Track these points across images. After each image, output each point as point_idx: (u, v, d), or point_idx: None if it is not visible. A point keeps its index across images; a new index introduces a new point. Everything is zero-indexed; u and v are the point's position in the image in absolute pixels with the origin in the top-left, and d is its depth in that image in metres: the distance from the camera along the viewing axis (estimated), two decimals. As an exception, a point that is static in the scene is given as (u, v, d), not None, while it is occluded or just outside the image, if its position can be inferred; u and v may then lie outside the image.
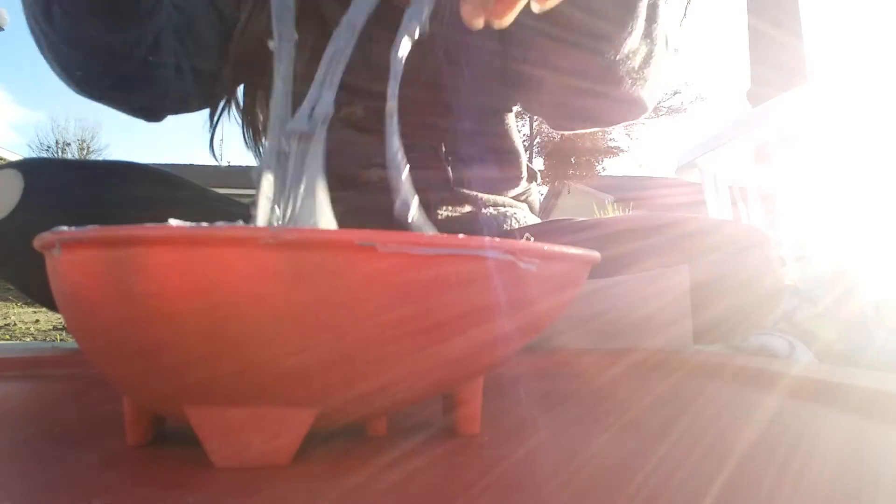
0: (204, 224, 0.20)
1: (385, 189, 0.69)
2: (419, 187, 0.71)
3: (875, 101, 1.35)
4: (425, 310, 0.22)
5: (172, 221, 0.22)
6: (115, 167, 0.60)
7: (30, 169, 0.56)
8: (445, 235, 0.22)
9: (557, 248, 0.26)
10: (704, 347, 0.60)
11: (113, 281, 0.21)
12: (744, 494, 0.20)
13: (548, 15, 0.66)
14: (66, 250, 0.22)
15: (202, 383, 0.22)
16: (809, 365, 0.55)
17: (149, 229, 0.20)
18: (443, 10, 0.65)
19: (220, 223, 0.21)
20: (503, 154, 0.71)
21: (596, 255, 0.29)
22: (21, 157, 0.59)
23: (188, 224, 0.21)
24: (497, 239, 0.23)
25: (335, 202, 0.62)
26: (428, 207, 0.68)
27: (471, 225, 0.68)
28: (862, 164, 1.40)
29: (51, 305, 0.60)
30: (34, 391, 0.41)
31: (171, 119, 0.64)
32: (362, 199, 0.68)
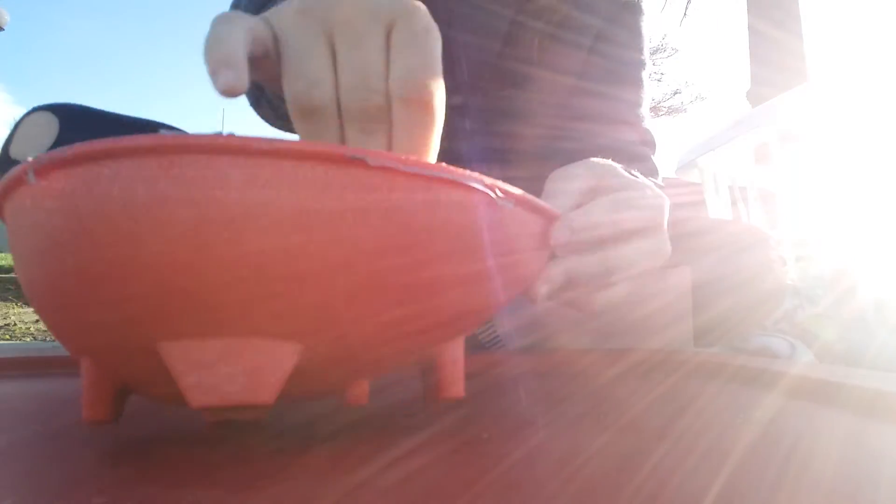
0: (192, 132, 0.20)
1: None
2: None
3: (875, 101, 1.34)
4: (412, 234, 0.22)
5: (162, 131, 0.21)
6: (142, 123, 0.59)
7: (66, 114, 0.54)
8: (432, 162, 0.22)
9: (530, 197, 0.26)
10: (704, 348, 0.60)
11: (99, 199, 0.19)
12: (744, 494, 0.20)
13: (549, 15, 0.67)
14: (41, 176, 0.20)
15: (179, 313, 0.21)
16: (809, 365, 0.55)
17: (137, 138, 0.19)
18: (443, 10, 0.65)
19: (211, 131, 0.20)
20: (507, 154, 0.71)
21: (561, 214, 0.30)
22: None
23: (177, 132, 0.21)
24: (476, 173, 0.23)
25: None
26: None
27: None
28: (862, 164, 1.40)
29: None
30: (34, 391, 0.41)
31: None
32: None
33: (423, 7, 0.30)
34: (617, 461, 0.24)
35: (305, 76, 0.29)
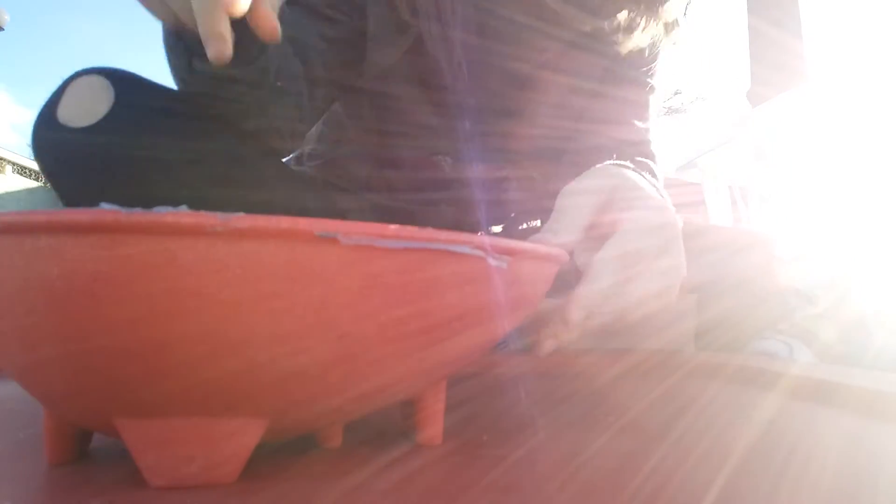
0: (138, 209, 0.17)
1: (429, 202, 0.68)
2: (420, 187, 0.72)
3: (875, 102, 1.35)
4: (391, 308, 0.20)
5: (104, 205, 0.18)
6: (205, 101, 0.57)
7: (121, 81, 0.51)
8: (413, 228, 0.20)
9: (528, 245, 0.24)
10: (704, 349, 0.60)
11: (36, 272, 0.18)
12: (744, 494, 0.20)
13: (548, 15, 0.67)
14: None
15: (136, 391, 0.19)
16: (809, 365, 0.55)
17: (77, 213, 0.17)
18: (445, 11, 0.65)
19: (159, 208, 0.18)
20: (507, 154, 0.71)
21: (564, 254, 0.28)
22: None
23: (121, 209, 0.18)
24: (466, 234, 0.21)
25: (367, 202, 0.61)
26: (428, 207, 0.69)
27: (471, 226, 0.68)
28: (862, 165, 1.40)
29: None
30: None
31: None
32: (398, 213, 0.68)
33: None
34: (617, 461, 0.24)
35: None
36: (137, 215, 0.17)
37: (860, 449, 0.26)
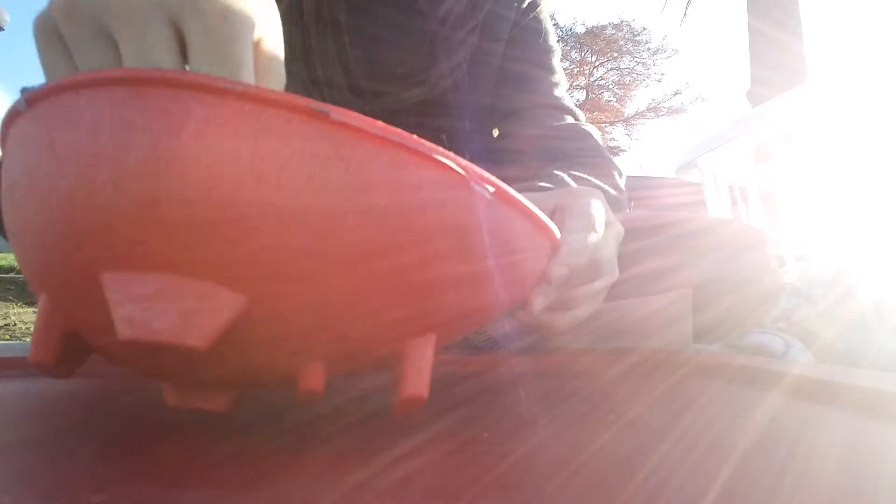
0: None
1: None
2: None
3: (875, 101, 1.35)
4: (372, 196, 0.21)
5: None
6: None
7: None
8: (402, 132, 0.21)
9: (516, 194, 0.24)
10: (704, 347, 0.60)
11: (70, 125, 0.20)
12: (744, 494, 0.20)
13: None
14: (31, 105, 0.21)
15: (124, 244, 0.20)
16: (809, 365, 0.55)
17: (110, 71, 0.20)
18: (445, 11, 0.65)
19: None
20: (508, 154, 0.71)
21: (556, 234, 0.29)
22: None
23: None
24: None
25: None
26: None
27: None
28: (862, 165, 1.40)
29: None
30: (34, 391, 0.41)
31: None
32: None
33: None
34: (617, 461, 0.24)
35: None
36: (161, 71, 0.19)
37: (860, 449, 0.26)
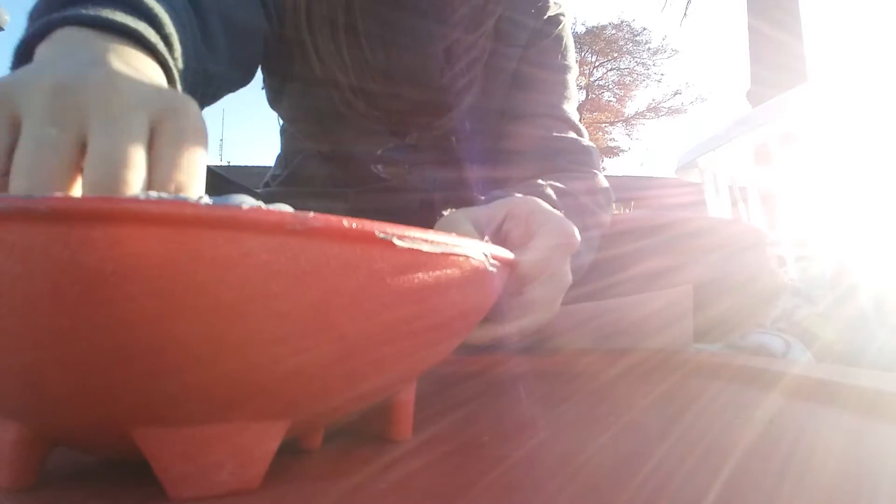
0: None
1: (389, 189, 0.69)
2: (423, 188, 0.72)
3: (875, 101, 1.35)
4: (420, 311, 0.22)
5: (152, 194, 0.19)
6: None
7: None
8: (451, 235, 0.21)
9: (508, 253, 0.26)
10: (704, 347, 0.60)
11: (62, 262, 0.16)
12: (744, 494, 0.20)
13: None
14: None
15: (161, 397, 0.18)
16: (809, 365, 0.55)
17: (115, 201, 0.15)
18: (445, 12, 0.65)
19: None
20: (509, 154, 0.71)
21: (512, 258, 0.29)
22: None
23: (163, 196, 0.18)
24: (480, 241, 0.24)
25: (339, 199, 0.64)
26: (432, 208, 0.69)
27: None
28: (862, 164, 1.40)
29: None
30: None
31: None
32: (366, 200, 0.68)
33: (194, 105, 0.26)
34: (617, 461, 0.24)
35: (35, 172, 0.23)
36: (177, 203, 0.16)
37: (860, 449, 0.26)
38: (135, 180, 0.23)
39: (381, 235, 0.18)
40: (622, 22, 13.05)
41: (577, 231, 0.40)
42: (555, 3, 0.74)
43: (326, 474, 0.23)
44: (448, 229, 0.38)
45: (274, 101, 0.72)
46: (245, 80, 0.58)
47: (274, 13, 0.61)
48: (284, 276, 0.17)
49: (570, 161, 0.66)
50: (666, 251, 0.63)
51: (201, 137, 0.26)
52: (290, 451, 0.25)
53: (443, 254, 0.21)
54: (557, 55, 0.73)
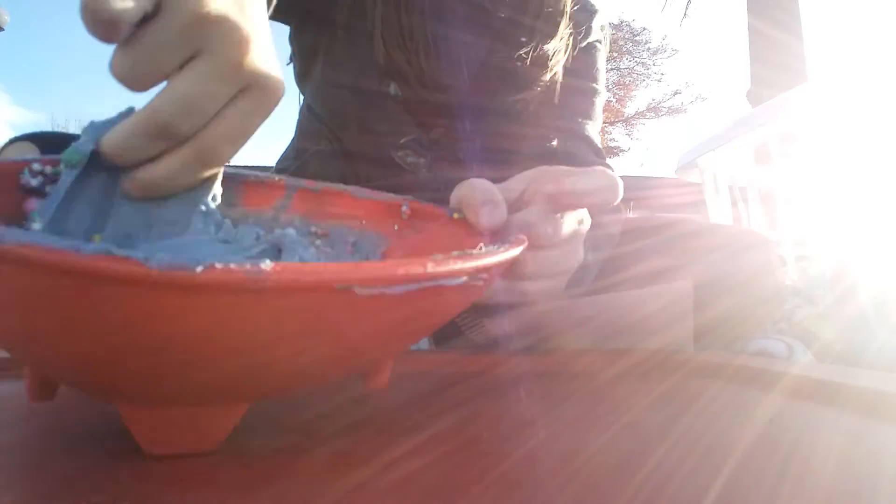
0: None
1: (400, 187, 0.69)
2: (434, 188, 0.72)
3: (875, 101, 1.35)
4: (388, 327, 0.23)
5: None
6: None
7: (44, 141, 0.56)
8: (420, 265, 0.21)
9: (500, 258, 0.25)
10: (704, 349, 0.60)
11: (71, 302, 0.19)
12: (744, 494, 0.20)
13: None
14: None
15: (140, 388, 0.22)
16: (809, 365, 0.55)
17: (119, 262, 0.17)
18: (445, 11, 0.65)
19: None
20: (509, 154, 0.71)
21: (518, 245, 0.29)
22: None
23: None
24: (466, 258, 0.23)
25: (367, 180, 0.62)
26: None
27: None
28: (862, 164, 1.40)
29: None
30: (34, 391, 0.41)
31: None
32: (396, 180, 0.68)
33: (280, 89, 0.29)
34: (617, 461, 0.24)
35: None
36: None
37: (860, 449, 0.26)
38: (182, 131, 0.27)
39: (340, 287, 0.19)
40: (622, 22, 13.05)
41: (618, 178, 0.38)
42: (594, 30, 0.74)
43: (326, 474, 0.23)
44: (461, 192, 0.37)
45: (301, 77, 0.72)
46: None
47: None
48: (246, 319, 0.19)
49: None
50: (666, 251, 0.63)
51: (260, 121, 0.28)
52: (291, 451, 0.25)
53: (412, 292, 0.21)
54: (587, 79, 0.74)
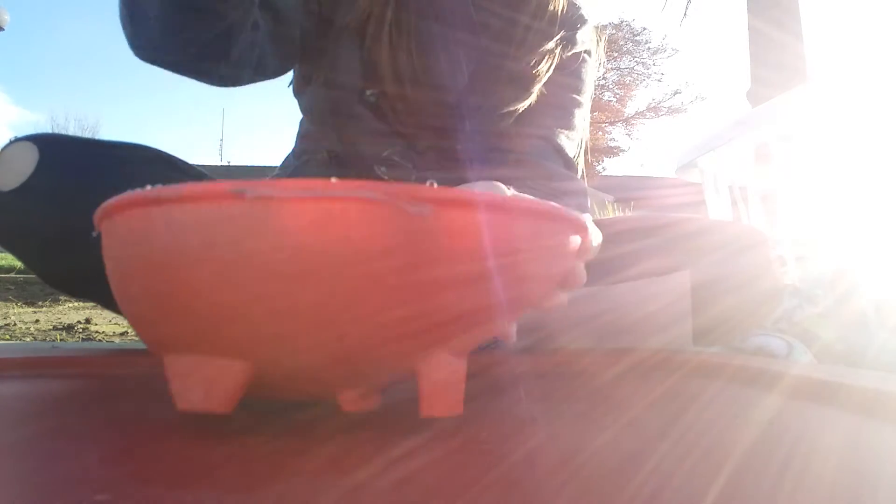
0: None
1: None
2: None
3: (875, 101, 1.35)
4: (328, 258, 0.23)
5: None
6: (126, 146, 0.61)
7: (44, 142, 0.57)
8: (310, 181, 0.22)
9: (458, 191, 0.23)
10: (704, 348, 0.60)
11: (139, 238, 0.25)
12: (744, 494, 0.20)
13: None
14: (115, 213, 0.26)
15: (165, 330, 0.26)
16: (809, 365, 0.55)
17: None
18: (445, 11, 0.65)
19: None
20: (508, 154, 0.71)
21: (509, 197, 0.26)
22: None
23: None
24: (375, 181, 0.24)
25: None
26: None
27: None
28: (862, 165, 1.40)
29: (51, 279, 0.60)
30: (34, 391, 0.41)
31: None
32: None
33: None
34: (617, 461, 0.24)
35: None
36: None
37: (860, 449, 0.26)
38: None
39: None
40: (622, 22, 13.04)
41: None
42: (582, 40, 0.73)
43: (326, 473, 0.23)
44: None
45: (299, 89, 0.72)
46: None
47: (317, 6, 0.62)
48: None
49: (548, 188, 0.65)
50: (666, 251, 0.63)
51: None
52: (290, 451, 0.25)
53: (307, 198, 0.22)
54: (571, 90, 0.73)
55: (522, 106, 0.68)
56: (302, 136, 0.75)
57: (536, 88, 0.68)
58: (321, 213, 0.22)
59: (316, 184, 0.22)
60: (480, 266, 0.24)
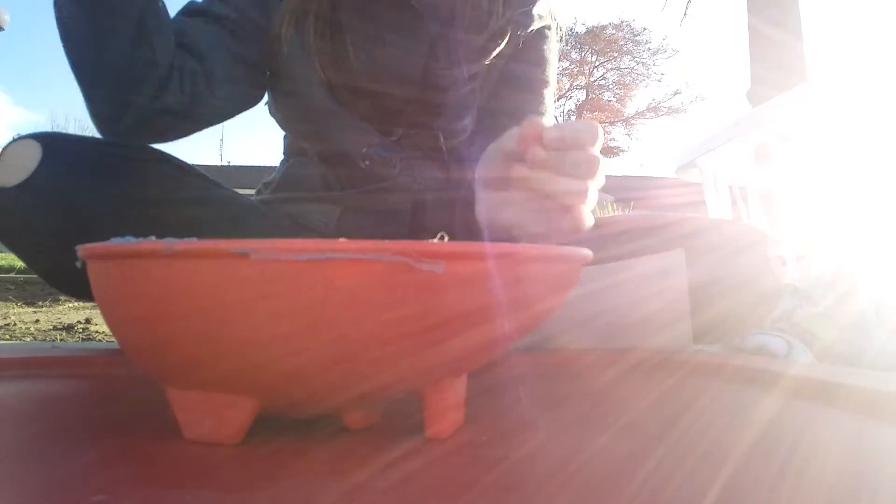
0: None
1: (380, 190, 0.69)
2: (414, 189, 0.72)
3: (875, 101, 1.35)
4: (340, 314, 0.23)
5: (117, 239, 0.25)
6: (128, 146, 0.61)
7: (48, 139, 0.57)
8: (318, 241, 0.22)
9: (468, 246, 0.23)
10: (704, 347, 0.60)
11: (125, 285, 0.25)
12: (744, 494, 0.20)
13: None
14: (91, 261, 0.26)
15: (173, 370, 0.26)
16: (809, 365, 0.55)
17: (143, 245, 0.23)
18: (444, 10, 0.65)
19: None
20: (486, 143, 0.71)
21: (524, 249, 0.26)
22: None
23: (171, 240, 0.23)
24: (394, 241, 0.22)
25: (331, 202, 0.64)
26: (424, 208, 0.68)
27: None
28: (862, 164, 1.40)
29: (51, 278, 0.60)
30: (34, 391, 0.41)
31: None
32: (358, 202, 0.68)
33: None
34: (617, 461, 0.24)
35: None
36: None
37: (860, 449, 0.26)
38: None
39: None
40: (622, 22, 13.05)
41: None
42: (539, 16, 0.73)
43: (326, 474, 0.23)
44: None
45: (272, 105, 0.72)
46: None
47: (270, 13, 0.62)
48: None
49: None
50: (666, 251, 0.63)
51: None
52: (290, 451, 0.25)
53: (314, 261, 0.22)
54: (538, 68, 0.73)
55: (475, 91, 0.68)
56: (288, 146, 0.75)
57: (488, 60, 0.68)
58: (331, 274, 0.22)
59: (325, 245, 0.21)
60: (489, 310, 0.25)
